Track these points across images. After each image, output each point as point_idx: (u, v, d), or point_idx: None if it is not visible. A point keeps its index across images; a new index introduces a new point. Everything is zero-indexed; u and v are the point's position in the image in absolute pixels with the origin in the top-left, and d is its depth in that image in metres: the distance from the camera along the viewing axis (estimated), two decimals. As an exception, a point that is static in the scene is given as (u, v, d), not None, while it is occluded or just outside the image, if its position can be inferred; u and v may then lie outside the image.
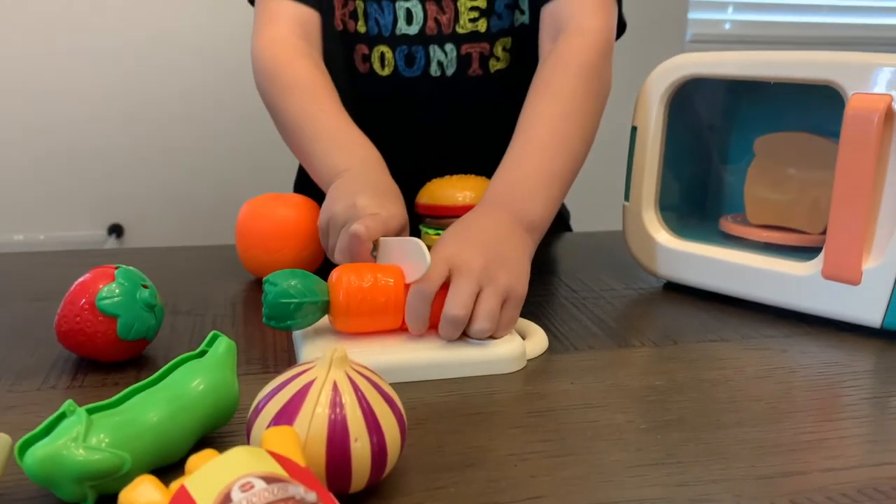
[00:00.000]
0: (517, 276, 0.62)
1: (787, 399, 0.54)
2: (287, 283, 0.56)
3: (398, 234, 0.65)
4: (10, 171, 1.72)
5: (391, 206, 0.66)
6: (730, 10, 2.16)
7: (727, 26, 2.16)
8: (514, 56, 0.90)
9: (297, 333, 0.60)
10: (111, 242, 1.78)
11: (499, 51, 0.89)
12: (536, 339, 0.62)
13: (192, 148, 1.79)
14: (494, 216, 0.66)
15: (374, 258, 0.63)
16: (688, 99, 0.75)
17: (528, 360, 0.60)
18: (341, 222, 0.65)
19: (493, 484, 0.43)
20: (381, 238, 0.63)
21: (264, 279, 0.57)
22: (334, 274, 0.58)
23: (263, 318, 0.56)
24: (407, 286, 0.59)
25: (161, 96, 1.75)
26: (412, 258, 0.59)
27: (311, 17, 0.87)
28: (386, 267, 0.60)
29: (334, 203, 0.67)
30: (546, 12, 0.83)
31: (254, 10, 0.90)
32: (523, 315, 0.67)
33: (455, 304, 0.58)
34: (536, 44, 0.86)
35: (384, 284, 0.58)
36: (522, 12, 0.88)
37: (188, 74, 1.75)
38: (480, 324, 0.58)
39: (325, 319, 0.60)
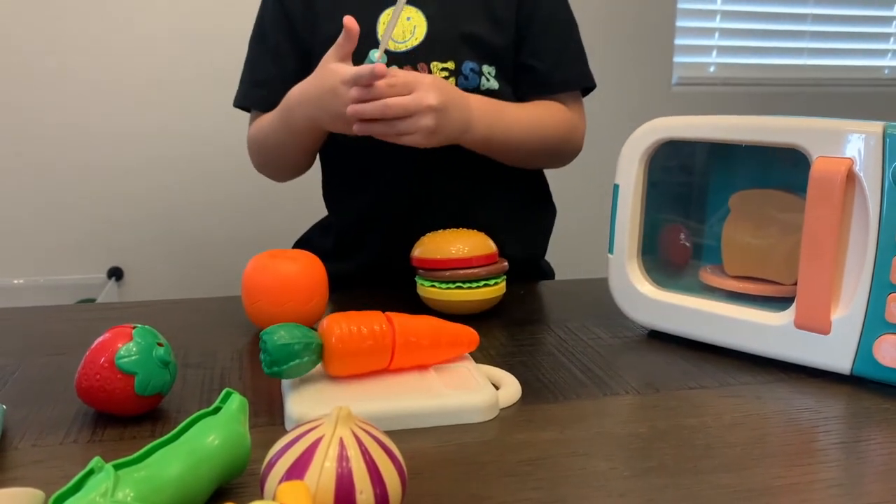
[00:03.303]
0: (441, 123, 0.84)
1: (761, 445, 0.58)
2: (283, 332, 0.61)
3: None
4: (9, 215, 1.76)
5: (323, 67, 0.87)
6: (714, 53, 2.23)
7: (711, 69, 2.23)
8: None
9: (285, 385, 0.64)
10: (111, 286, 1.81)
11: None
12: (509, 389, 0.66)
13: (191, 193, 1.83)
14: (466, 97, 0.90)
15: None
16: (667, 157, 0.79)
17: (501, 409, 0.63)
18: (346, 100, 0.82)
19: (487, 530, 0.47)
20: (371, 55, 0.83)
21: (260, 334, 0.61)
22: (324, 322, 0.63)
23: (264, 367, 0.60)
24: (392, 328, 0.64)
25: (162, 141, 1.79)
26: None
27: None
28: (371, 314, 0.64)
29: (327, 112, 0.86)
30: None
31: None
32: (513, 364, 0.71)
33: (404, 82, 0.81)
34: None
35: (370, 329, 0.63)
36: (488, 80, 1.00)
37: (191, 121, 1.79)
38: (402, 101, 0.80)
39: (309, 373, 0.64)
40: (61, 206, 1.77)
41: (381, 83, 0.81)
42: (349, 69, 0.83)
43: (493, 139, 0.94)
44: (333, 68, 0.85)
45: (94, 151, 1.76)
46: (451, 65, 0.98)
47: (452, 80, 0.98)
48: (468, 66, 0.98)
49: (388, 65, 0.95)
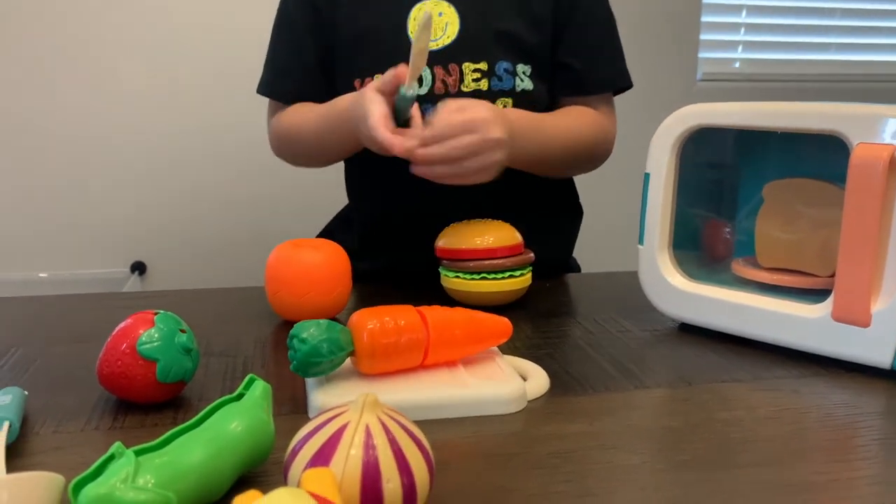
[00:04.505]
0: (501, 152, 0.79)
1: (799, 439, 0.56)
2: (316, 341, 0.57)
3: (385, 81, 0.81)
4: (34, 210, 1.76)
5: (361, 97, 0.82)
6: (739, 49, 2.19)
7: (737, 65, 2.20)
8: None
9: (310, 379, 0.62)
10: (133, 280, 1.82)
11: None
12: (537, 380, 0.64)
13: (213, 186, 1.83)
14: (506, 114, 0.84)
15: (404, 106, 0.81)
16: (699, 145, 0.77)
17: (528, 401, 0.62)
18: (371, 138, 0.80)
19: (517, 523, 0.45)
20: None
21: (290, 333, 0.58)
22: (354, 318, 0.61)
23: (291, 367, 0.58)
24: (426, 324, 0.62)
25: (183, 136, 1.79)
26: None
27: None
28: (402, 308, 0.62)
29: (360, 135, 0.84)
30: (567, 103, 1.01)
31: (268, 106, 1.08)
32: (540, 357, 0.70)
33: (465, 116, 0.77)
34: (536, 106, 0.97)
35: (403, 326, 0.61)
36: (522, 80, 0.96)
37: (213, 114, 1.79)
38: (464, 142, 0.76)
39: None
40: (85, 200, 1.78)
41: (442, 126, 0.77)
42: (378, 121, 0.78)
43: (531, 154, 0.91)
44: (370, 102, 0.80)
45: (116, 146, 1.76)
46: (483, 65, 0.95)
47: (485, 81, 0.95)
48: (502, 66, 0.95)
49: None
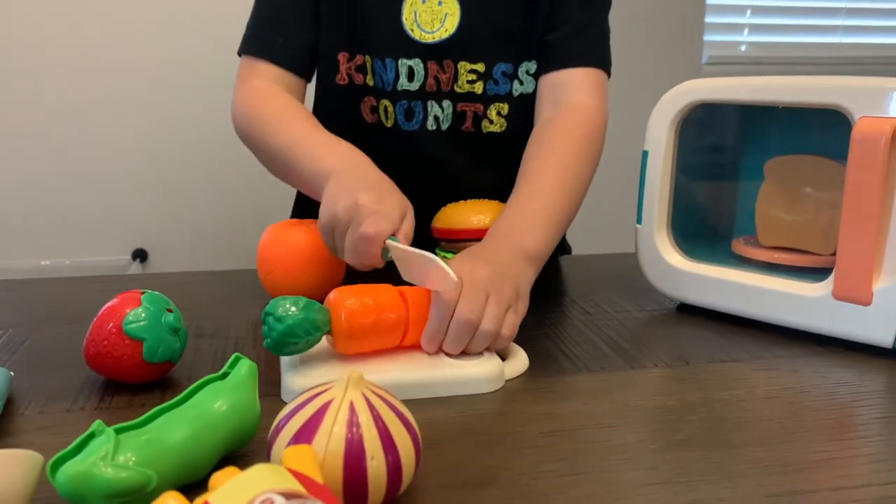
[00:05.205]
0: (520, 293, 0.66)
1: (798, 419, 0.55)
2: (292, 321, 0.55)
3: (402, 221, 0.67)
4: (36, 197, 1.76)
5: (391, 199, 0.68)
6: (745, 32, 2.17)
7: (743, 48, 2.17)
8: (510, 122, 0.92)
9: (283, 361, 0.61)
10: (135, 267, 1.81)
11: (493, 114, 0.91)
12: (517, 360, 0.63)
13: (215, 174, 1.82)
14: (496, 246, 0.70)
15: (384, 259, 0.66)
16: (699, 122, 0.76)
17: (510, 380, 0.61)
18: (345, 222, 0.67)
19: (507, 503, 0.44)
20: (392, 244, 0.64)
21: (265, 310, 0.56)
22: (332, 295, 0.59)
23: (265, 345, 0.57)
24: (406, 303, 0.60)
25: (185, 123, 1.78)
26: (436, 275, 0.60)
27: (294, 82, 0.90)
28: (382, 287, 0.61)
29: (335, 203, 0.67)
30: (545, 81, 0.90)
31: (238, 67, 0.93)
32: (536, 336, 0.68)
33: (466, 310, 0.60)
34: (534, 113, 0.90)
35: (383, 304, 0.59)
36: (522, 83, 0.90)
37: (213, 102, 1.78)
38: (486, 325, 0.60)
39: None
40: (87, 188, 1.78)
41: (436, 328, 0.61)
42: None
43: (548, 243, 0.76)
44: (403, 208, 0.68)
45: (119, 133, 1.76)
46: (480, 66, 0.89)
47: (480, 83, 0.89)
48: (500, 69, 0.89)
49: (411, 56, 0.88)
